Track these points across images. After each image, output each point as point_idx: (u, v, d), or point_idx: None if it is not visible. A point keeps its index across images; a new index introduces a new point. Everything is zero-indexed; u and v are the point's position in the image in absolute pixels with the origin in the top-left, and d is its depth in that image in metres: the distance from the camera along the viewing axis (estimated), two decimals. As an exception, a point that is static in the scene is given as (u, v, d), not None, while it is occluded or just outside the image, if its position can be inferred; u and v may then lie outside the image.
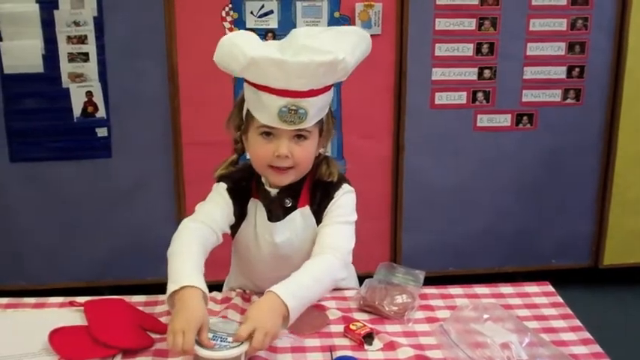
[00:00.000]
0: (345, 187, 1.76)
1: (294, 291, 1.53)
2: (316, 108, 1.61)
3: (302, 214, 1.74)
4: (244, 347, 1.44)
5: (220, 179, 1.77)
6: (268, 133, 1.63)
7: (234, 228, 1.77)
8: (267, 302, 1.51)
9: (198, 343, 1.43)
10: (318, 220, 1.74)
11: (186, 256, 1.60)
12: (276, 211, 1.73)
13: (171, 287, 1.52)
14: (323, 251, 1.66)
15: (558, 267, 3.31)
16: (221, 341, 1.45)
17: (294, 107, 1.56)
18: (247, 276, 1.86)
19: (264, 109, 1.59)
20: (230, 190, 1.74)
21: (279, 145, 1.62)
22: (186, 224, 1.69)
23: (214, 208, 1.72)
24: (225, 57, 1.59)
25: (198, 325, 1.44)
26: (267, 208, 1.73)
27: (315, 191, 1.74)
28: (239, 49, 1.55)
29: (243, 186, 1.75)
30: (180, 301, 1.49)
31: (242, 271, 1.88)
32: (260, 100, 1.59)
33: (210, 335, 1.46)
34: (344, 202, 1.74)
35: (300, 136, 1.63)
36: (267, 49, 1.57)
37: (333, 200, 1.73)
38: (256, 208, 1.75)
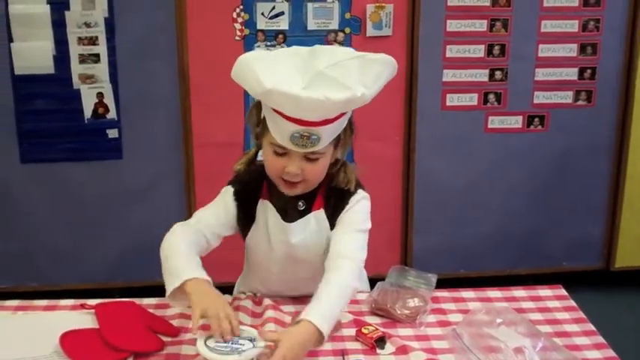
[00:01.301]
0: (361, 193, 1.75)
1: (327, 315, 1.53)
2: (330, 133, 1.59)
3: (316, 218, 1.73)
4: (254, 351, 1.43)
5: (230, 181, 1.77)
6: (280, 151, 1.61)
7: (244, 231, 1.76)
8: (303, 333, 1.49)
9: (208, 346, 1.43)
10: (332, 225, 1.72)
11: (178, 254, 1.62)
12: (291, 212, 1.72)
13: (174, 282, 1.54)
14: (339, 263, 1.65)
15: (569, 269, 3.29)
16: (234, 344, 1.45)
17: (306, 134, 1.54)
18: (259, 278, 1.85)
19: (277, 130, 1.58)
20: (237, 193, 1.73)
21: (290, 163, 1.61)
22: (176, 228, 1.71)
23: (210, 213, 1.73)
24: (241, 79, 1.57)
25: (230, 309, 1.49)
26: (281, 209, 1.72)
27: (330, 196, 1.73)
28: (255, 77, 1.51)
29: (252, 187, 1.74)
30: (196, 290, 1.52)
31: (254, 274, 1.87)
32: (274, 120, 1.58)
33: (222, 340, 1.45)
34: (359, 209, 1.73)
35: (312, 155, 1.61)
36: (283, 79, 1.51)
37: (348, 206, 1.72)
38: (266, 210, 1.74)
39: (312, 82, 1.51)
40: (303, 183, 1.66)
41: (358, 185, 1.76)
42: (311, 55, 1.60)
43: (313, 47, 1.63)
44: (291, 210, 1.72)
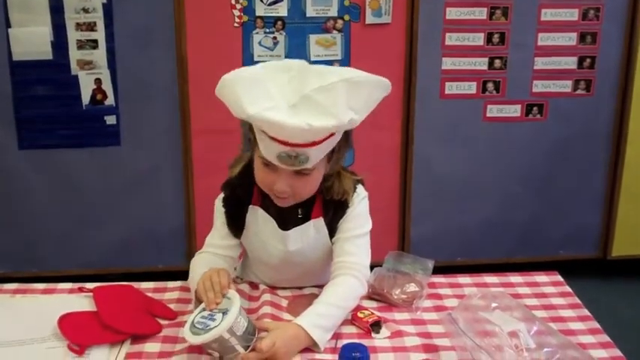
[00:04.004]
0: (360, 192, 1.72)
1: (321, 323, 1.53)
2: (319, 152, 1.54)
3: (315, 226, 1.70)
4: (220, 328, 1.41)
5: (222, 186, 1.75)
6: (269, 165, 1.57)
7: (236, 235, 1.75)
8: (294, 329, 1.51)
9: (193, 329, 1.44)
10: (331, 231, 1.71)
11: (193, 279, 1.66)
12: (288, 220, 1.70)
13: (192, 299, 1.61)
14: (344, 272, 1.65)
15: (566, 258, 3.30)
16: (209, 320, 1.45)
17: (294, 153, 1.50)
18: (256, 273, 1.85)
19: (264, 147, 1.54)
20: (225, 200, 1.73)
21: (279, 180, 1.57)
22: (194, 259, 1.75)
23: (214, 235, 1.76)
24: (225, 99, 1.52)
25: (224, 271, 1.54)
26: (278, 216, 1.70)
27: (329, 206, 1.70)
28: (236, 100, 1.46)
29: (241, 194, 1.71)
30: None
31: (251, 268, 1.87)
32: (261, 138, 1.53)
33: (206, 314, 1.47)
34: (359, 211, 1.71)
35: (302, 171, 1.57)
36: (266, 103, 1.45)
37: (349, 210, 1.70)
38: (257, 217, 1.71)
39: (298, 105, 1.45)
40: (294, 197, 1.63)
41: (357, 183, 1.73)
42: (300, 73, 1.54)
43: (303, 64, 1.57)
44: (289, 218, 1.70)
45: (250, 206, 1.71)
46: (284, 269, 1.76)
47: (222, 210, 1.73)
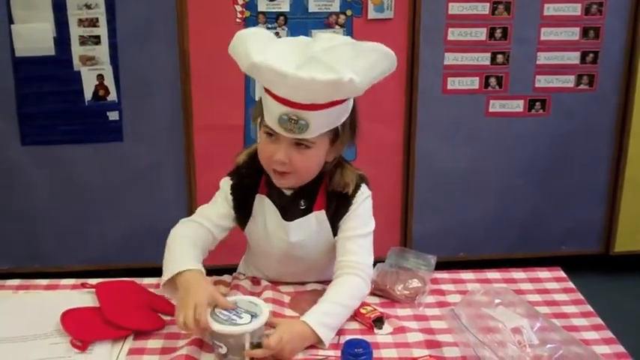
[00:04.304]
0: (364, 191, 1.71)
1: (327, 321, 1.54)
2: (321, 121, 1.55)
3: (317, 218, 1.70)
4: (247, 327, 1.43)
5: (229, 173, 1.76)
6: (270, 134, 1.59)
7: (242, 224, 1.75)
8: (300, 327, 1.51)
9: (213, 316, 1.45)
10: (333, 226, 1.71)
11: (177, 249, 1.63)
12: (291, 211, 1.70)
13: (165, 276, 1.57)
14: (347, 271, 1.65)
15: (569, 253, 3.29)
16: (235, 316, 1.46)
17: (294, 117, 1.51)
18: (258, 267, 1.85)
19: (267, 111, 1.57)
20: (234, 187, 1.73)
21: (278, 149, 1.59)
22: (181, 222, 1.72)
23: (211, 208, 1.74)
24: (234, 52, 1.55)
25: (208, 297, 1.47)
26: (281, 207, 1.70)
27: (332, 199, 1.70)
28: (245, 50, 1.50)
29: (249, 182, 1.72)
30: (182, 285, 1.53)
31: (254, 263, 1.87)
32: (265, 101, 1.57)
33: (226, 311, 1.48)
34: (362, 210, 1.71)
35: (301, 144, 1.59)
36: (273, 57, 1.48)
37: (352, 208, 1.69)
38: (264, 206, 1.71)
39: (303, 64, 1.48)
40: (294, 175, 1.63)
41: (360, 180, 1.72)
42: (310, 41, 1.58)
43: (316, 34, 1.62)
44: (291, 208, 1.70)
45: (257, 195, 1.72)
46: (286, 262, 1.76)
47: (229, 194, 1.72)
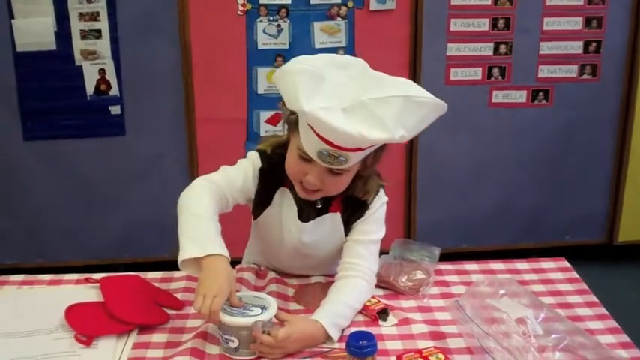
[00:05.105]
0: (381, 196, 1.71)
1: (339, 322, 1.54)
2: (360, 156, 1.54)
3: (332, 220, 1.69)
4: (259, 317, 1.45)
5: (259, 150, 1.70)
6: (305, 157, 1.55)
7: (257, 211, 1.73)
8: (313, 327, 1.51)
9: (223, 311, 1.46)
10: (347, 229, 1.70)
11: (205, 218, 1.56)
12: (308, 211, 1.68)
13: (194, 251, 1.49)
14: (356, 274, 1.64)
15: (572, 243, 3.29)
16: (245, 309, 1.48)
17: (335, 154, 1.49)
18: (266, 257, 1.84)
19: (307, 141, 1.52)
20: (262, 171, 1.68)
21: (312, 172, 1.56)
22: (202, 184, 1.64)
23: (237, 177, 1.67)
24: (281, 89, 1.50)
25: (229, 291, 1.46)
26: (299, 205, 1.68)
27: (350, 201, 1.68)
28: (295, 93, 1.44)
29: (277, 172, 1.66)
30: (208, 268, 1.48)
31: (261, 251, 1.85)
32: (306, 131, 1.51)
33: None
34: (378, 216, 1.70)
35: (336, 170, 1.56)
36: (323, 101, 1.43)
37: (368, 212, 1.69)
38: (283, 200, 1.69)
39: (352, 110, 1.44)
40: (321, 193, 1.61)
41: (380, 187, 1.71)
42: (360, 75, 1.52)
43: (364, 66, 1.55)
44: (307, 208, 1.68)
45: (281, 188, 1.69)
46: (295, 257, 1.75)
47: (257, 176, 1.67)
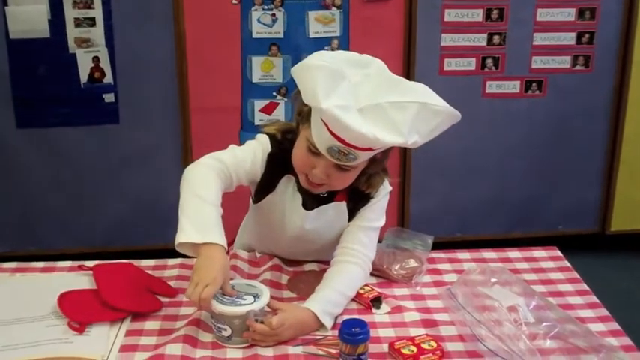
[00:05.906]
0: (386, 186, 1.72)
1: (332, 310, 1.55)
2: (369, 155, 1.54)
3: (336, 208, 1.69)
4: (252, 306, 1.45)
5: (270, 137, 1.68)
6: (314, 150, 1.55)
7: (259, 195, 1.71)
8: (306, 315, 1.51)
9: (216, 298, 1.46)
10: (351, 217, 1.70)
11: (209, 203, 1.55)
12: (312, 200, 1.68)
13: (193, 236, 1.49)
14: (354, 260, 1.65)
15: (565, 233, 3.31)
16: (237, 298, 1.48)
17: (345, 151, 1.49)
18: (263, 242, 1.84)
19: (318, 136, 1.52)
20: (271, 156, 1.67)
21: (319, 166, 1.56)
22: (210, 163, 1.62)
23: (246, 159, 1.65)
24: (300, 82, 1.50)
25: (222, 281, 1.46)
26: (303, 194, 1.67)
27: (354, 193, 1.68)
28: (314, 90, 1.43)
29: (285, 158, 1.65)
30: (205, 256, 1.48)
31: (258, 236, 1.85)
32: (318, 126, 1.51)
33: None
34: (382, 204, 1.72)
35: (344, 165, 1.55)
36: (340, 100, 1.43)
37: (372, 201, 1.70)
38: (288, 188, 1.68)
39: (368, 111, 1.45)
40: (327, 186, 1.61)
41: (385, 175, 1.72)
42: (377, 76, 1.52)
43: (382, 67, 1.55)
44: (312, 197, 1.68)
45: (287, 175, 1.68)
46: (296, 244, 1.76)
47: (266, 160, 1.66)
